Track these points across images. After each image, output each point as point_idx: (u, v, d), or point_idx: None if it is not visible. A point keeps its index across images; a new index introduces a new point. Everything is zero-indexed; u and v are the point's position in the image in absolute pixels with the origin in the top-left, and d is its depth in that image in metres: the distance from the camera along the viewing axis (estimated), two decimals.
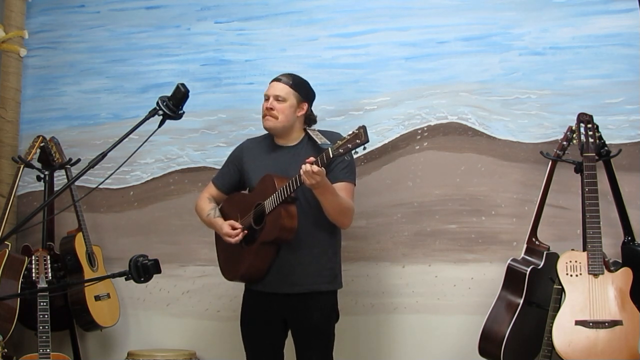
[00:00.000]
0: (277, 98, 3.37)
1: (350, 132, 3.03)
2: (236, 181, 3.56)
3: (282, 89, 3.39)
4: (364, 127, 3.01)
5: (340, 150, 3.03)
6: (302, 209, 3.27)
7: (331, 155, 3.05)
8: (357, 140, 3.00)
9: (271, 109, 3.37)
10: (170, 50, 4.46)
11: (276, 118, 3.37)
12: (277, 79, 3.43)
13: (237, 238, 3.36)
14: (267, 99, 3.41)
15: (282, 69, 3.72)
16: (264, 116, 3.40)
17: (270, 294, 3.35)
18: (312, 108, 3.50)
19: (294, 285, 3.31)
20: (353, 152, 3.04)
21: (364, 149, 3.03)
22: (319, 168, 3.05)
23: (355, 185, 3.40)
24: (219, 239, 3.51)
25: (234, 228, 3.38)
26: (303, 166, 3.06)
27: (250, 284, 3.46)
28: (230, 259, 3.50)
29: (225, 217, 3.47)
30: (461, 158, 3.95)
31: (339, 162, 3.30)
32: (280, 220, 3.21)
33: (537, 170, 3.76)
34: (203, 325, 4.27)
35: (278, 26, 4.28)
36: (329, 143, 3.14)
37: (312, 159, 3.08)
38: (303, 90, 3.43)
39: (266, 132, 3.51)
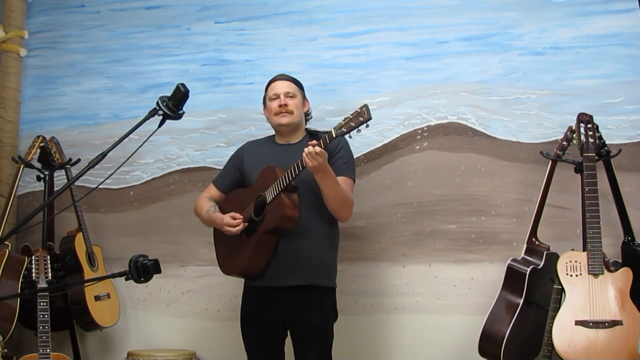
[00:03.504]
0: (287, 95, 3.44)
1: (353, 111, 3.04)
2: (236, 181, 3.57)
3: (290, 86, 3.47)
4: (366, 106, 3.02)
5: (344, 130, 3.04)
6: (301, 200, 3.27)
7: (334, 135, 3.07)
8: (360, 118, 3.01)
9: (286, 105, 3.41)
10: (170, 50, 4.46)
11: (292, 113, 3.42)
12: (280, 78, 3.50)
13: (238, 228, 3.37)
14: (276, 97, 3.44)
15: (282, 69, 3.74)
16: (277, 113, 3.43)
17: (268, 289, 3.34)
18: (312, 107, 3.59)
19: (291, 277, 3.30)
20: (356, 130, 3.03)
21: (367, 126, 3.02)
22: (321, 149, 3.07)
23: (354, 182, 3.42)
24: (218, 234, 3.52)
25: (234, 219, 3.39)
26: (306, 149, 3.09)
27: (249, 280, 3.45)
28: (230, 254, 3.49)
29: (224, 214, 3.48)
30: (461, 158, 3.95)
31: (339, 158, 3.33)
32: (283, 208, 3.21)
33: (537, 170, 3.76)
34: (203, 325, 4.27)
35: (278, 26, 4.29)
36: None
37: (314, 142, 3.10)
38: (302, 87, 3.53)
39: (267, 135, 3.56)
